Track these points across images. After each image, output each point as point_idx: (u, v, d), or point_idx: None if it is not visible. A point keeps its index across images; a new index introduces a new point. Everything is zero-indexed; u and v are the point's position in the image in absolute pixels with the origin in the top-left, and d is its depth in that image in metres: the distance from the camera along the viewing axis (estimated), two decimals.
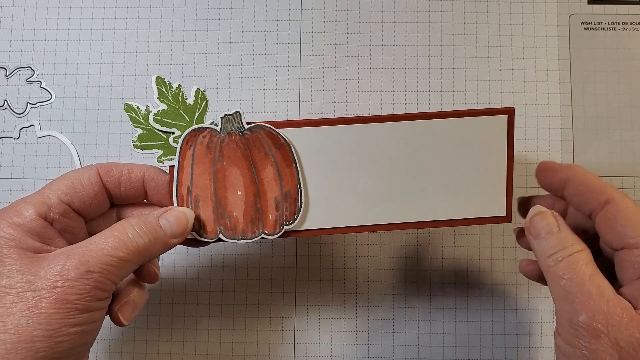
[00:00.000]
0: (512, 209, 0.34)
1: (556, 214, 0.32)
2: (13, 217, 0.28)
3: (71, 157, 0.42)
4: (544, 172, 0.34)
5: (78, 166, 0.42)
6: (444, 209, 0.34)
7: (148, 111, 0.32)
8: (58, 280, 0.27)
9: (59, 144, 0.42)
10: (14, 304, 0.26)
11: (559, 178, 0.33)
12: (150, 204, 0.34)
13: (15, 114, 0.42)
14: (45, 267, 0.27)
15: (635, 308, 0.27)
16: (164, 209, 0.32)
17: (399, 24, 0.43)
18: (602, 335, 0.27)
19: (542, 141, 0.42)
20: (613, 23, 0.43)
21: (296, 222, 0.33)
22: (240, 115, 0.32)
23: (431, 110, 0.36)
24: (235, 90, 0.42)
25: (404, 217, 0.34)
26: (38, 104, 0.43)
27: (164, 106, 0.32)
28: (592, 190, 0.31)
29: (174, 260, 0.41)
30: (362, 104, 0.42)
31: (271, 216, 0.33)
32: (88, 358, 0.30)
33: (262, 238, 0.33)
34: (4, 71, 0.43)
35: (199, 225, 0.32)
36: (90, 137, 0.42)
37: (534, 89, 0.43)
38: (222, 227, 0.33)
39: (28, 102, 0.43)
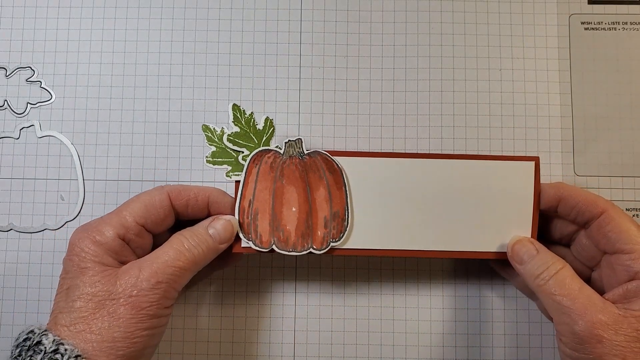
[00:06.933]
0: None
1: (532, 239, 0.36)
2: (96, 236, 0.33)
3: (71, 157, 0.42)
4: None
5: (78, 166, 0.42)
6: (475, 242, 0.37)
7: (222, 132, 0.39)
8: (133, 291, 0.31)
9: (59, 144, 0.42)
10: (96, 310, 0.31)
11: (551, 196, 0.36)
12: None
13: (15, 114, 0.43)
14: (122, 278, 0.32)
15: (625, 308, 0.31)
16: (210, 218, 0.36)
17: (399, 24, 0.43)
18: (604, 340, 0.30)
19: (542, 141, 0.42)
20: (613, 23, 0.43)
21: (341, 240, 0.37)
22: (302, 142, 0.38)
23: (464, 152, 0.41)
24: (235, 90, 0.42)
25: (437, 246, 0.37)
26: (38, 104, 0.43)
27: (236, 129, 0.39)
28: (587, 203, 0.35)
29: None
30: (362, 104, 0.42)
31: (320, 233, 0.37)
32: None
33: (310, 252, 0.37)
34: (4, 71, 0.43)
35: (255, 236, 0.36)
36: (90, 137, 0.42)
37: (534, 89, 0.43)
38: (275, 239, 0.37)
39: (28, 102, 0.43)
